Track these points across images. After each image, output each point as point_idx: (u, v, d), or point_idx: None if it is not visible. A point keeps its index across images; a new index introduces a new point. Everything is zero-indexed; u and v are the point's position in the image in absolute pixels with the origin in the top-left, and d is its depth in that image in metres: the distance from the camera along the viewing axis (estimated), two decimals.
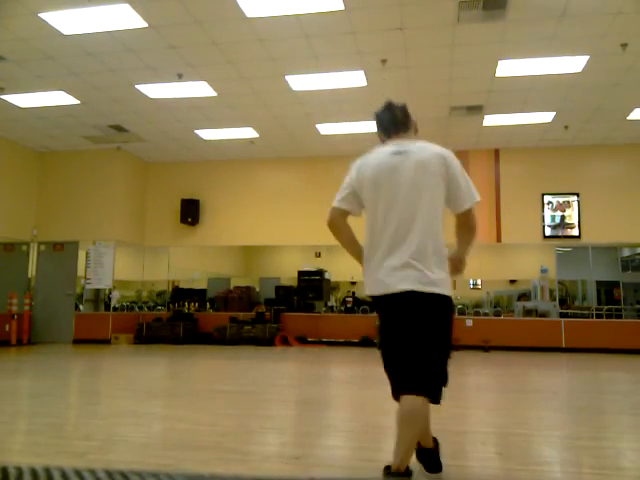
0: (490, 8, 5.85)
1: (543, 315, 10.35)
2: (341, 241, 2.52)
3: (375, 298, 2.38)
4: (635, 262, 10.89)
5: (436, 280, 2.26)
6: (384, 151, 2.45)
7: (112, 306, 10.99)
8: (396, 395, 2.31)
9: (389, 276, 2.28)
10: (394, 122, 2.53)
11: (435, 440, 2.53)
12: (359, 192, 2.45)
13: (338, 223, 2.49)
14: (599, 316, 10.33)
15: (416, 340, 2.24)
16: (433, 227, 2.32)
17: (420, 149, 2.39)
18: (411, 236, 2.29)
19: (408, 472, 2.22)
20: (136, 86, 8.04)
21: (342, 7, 5.87)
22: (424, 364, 2.23)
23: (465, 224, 2.43)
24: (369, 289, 2.39)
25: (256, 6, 5.88)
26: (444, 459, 2.56)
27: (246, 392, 5.16)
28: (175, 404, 4.56)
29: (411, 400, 2.22)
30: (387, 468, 2.28)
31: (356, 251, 2.51)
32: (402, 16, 6.06)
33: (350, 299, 11.17)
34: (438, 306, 2.28)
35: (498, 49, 6.79)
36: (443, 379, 2.30)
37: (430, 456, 2.48)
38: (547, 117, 9.08)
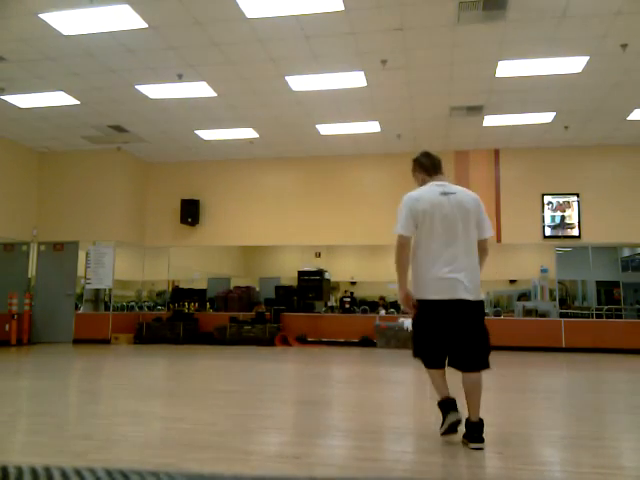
0: (490, 9, 5.85)
1: (543, 315, 10.36)
2: (402, 259, 3.19)
3: (432, 302, 3.12)
4: (635, 262, 10.90)
5: (474, 290, 3.12)
6: (433, 191, 3.23)
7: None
8: (429, 362, 3.21)
9: (446, 287, 3.09)
10: (434, 165, 3.38)
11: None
12: (415, 220, 3.17)
13: (407, 246, 3.19)
14: (599, 316, 10.33)
15: (475, 333, 3.11)
16: (474, 250, 3.18)
17: (459, 192, 3.25)
18: (461, 257, 3.11)
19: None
20: (136, 86, 8.05)
21: (342, 7, 5.88)
22: (482, 348, 3.12)
23: (484, 248, 3.27)
24: (428, 294, 3.13)
25: (256, 7, 5.88)
26: (444, 459, 2.57)
27: (246, 392, 5.17)
28: (175, 404, 4.56)
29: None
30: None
31: (406, 269, 3.21)
32: (402, 16, 6.06)
33: (348, 299, 11.18)
34: (479, 308, 3.17)
35: (498, 49, 6.79)
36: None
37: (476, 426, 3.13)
38: (547, 117, 9.08)
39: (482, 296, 3.19)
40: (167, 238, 11.94)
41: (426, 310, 3.16)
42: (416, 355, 3.29)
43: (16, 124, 9.65)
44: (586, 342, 9.74)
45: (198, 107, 8.85)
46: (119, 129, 9.96)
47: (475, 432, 3.00)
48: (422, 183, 3.36)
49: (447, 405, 3.17)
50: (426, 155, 3.43)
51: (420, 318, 3.22)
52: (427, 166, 3.37)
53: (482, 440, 2.98)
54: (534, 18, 6.05)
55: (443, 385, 3.24)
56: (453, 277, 3.07)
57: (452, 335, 3.10)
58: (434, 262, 3.11)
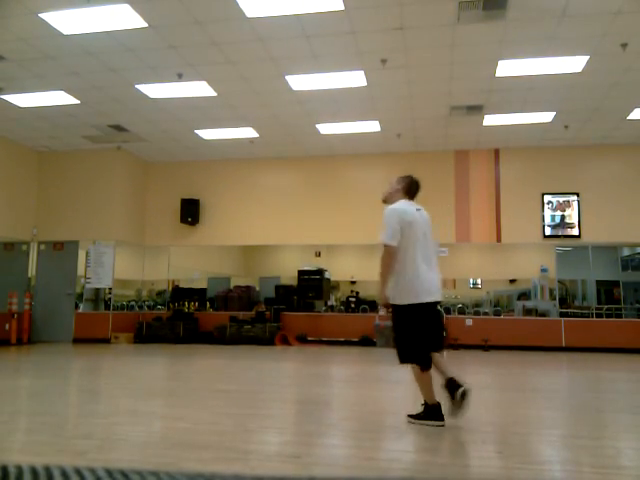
0: (490, 8, 5.85)
1: (543, 314, 10.36)
2: (389, 267, 3.58)
3: (425, 304, 3.54)
4: (635, 261, 10.90)
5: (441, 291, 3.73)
6: (412, 208, 3.74)
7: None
8: (427, 363, 3.58)
9: (433, 289, 3.59)
10: (417, 193, 3.89)
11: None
12: (402, 231, 3.58)
13: (394, 255, 3.57)
14: (599, 315, 10.34)
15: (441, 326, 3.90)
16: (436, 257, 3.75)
17: (422, 209, 3.82)
18: (433, 263, 3.67)
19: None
20: (136, 86, 8.04)
21: (342, 7, 5.88)
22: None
23: None
24: (421, 298, 3.53)
25: (256, 6, 5.88)
26: (444, 458, 2.57)
27: (246, 391, 5.17)
28: (175, 403, 4.57)
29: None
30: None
31: (390, 275, 3.61)
32: (402, 16, 6.06)
33: (353, 299, 11.16)
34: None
35: (498, 49, 6.79)
36: None
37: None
38: (547, 117, 9.08)
39: None
40: (167, 237, 11.94)
41: (420, 312, 3.55)
42: (411, 360, 3.62)
43: (16, 123, 9.65)
44: (586, 341, 9.75)
45: (198, 106, 8.84)
46: (119, 128, 9.96)
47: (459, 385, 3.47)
48: (393, 200, 3.80)
49: (438, 410, 3.57)
50: (417, 186, 3.89)
51: (415, 321, 3.57)
52: (412, 194, 3.86)
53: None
54: (534, 17, 6.05)
55: (433, 387, 3.60)
56: (434, 282, 3.61)
57: (436, 330, 3.72)
58: (420, 269, 3.55)
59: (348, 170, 11.39)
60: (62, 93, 8.32)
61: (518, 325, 10.24)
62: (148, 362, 8.06)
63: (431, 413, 3.57)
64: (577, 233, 10.45)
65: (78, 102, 8.66)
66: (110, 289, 10.98)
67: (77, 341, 10.60)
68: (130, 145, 10.98)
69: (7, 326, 10.02)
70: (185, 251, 12.14)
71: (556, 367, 7.87)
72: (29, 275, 11.03)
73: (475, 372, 6.94)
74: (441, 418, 3.55)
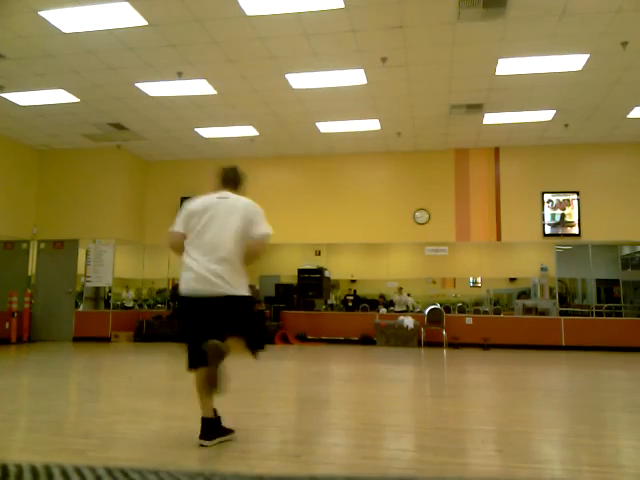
0: (490, 6, 5.84)
1: (543, 313, 10.36)
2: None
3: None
4: (635, 260, 10.90)
5: None
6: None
7: (125, 305, 11.39)
8: None
9: None
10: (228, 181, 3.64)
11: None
12: None
13: None
14: (599, 314, 10.34)
15: None
16: None
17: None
18: None
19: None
20: (136, 84, 8.04)
21: (342, 5, 5.87)
22: None
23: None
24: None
25: (256, 4, 5.87)
26: (444, 457, 2.57)
27: (246, 390, 5.17)
28: (175, 402, 4.57)
29: None
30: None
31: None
32: (402, 14, 6.05)
33: (351, 297, 11.19)
34: None
35: (498, 47, 6.78)
36: None
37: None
38: (547, 115, 9.07)
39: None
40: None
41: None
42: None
43: (16, 122, 9.64)
44: (586, 340, 9.75)
45: (198, 105, 8.84)
46: (119, 127, 9.96)
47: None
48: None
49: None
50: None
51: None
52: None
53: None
54: (534, 15, 6.04)
55: None
56: None
57: None
58: None
59: (348, 169, 11.39)
60: (62, 91, 8.31)
61: (518, 324, 10.24)
62: (148, 361, 8.07)
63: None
64: (577, 232, 10.45)
65: (78, 100, 8.65)
66: (125, 287, 11.00)
67: (77, 340, 10.60)
68: (130, 143, 10.97)
69: (7, 325, 10.03)
70: None
71: (556, 366, 7.87)
72: (29, 274, 11.03)
73: (475, 371, 6.95)
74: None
